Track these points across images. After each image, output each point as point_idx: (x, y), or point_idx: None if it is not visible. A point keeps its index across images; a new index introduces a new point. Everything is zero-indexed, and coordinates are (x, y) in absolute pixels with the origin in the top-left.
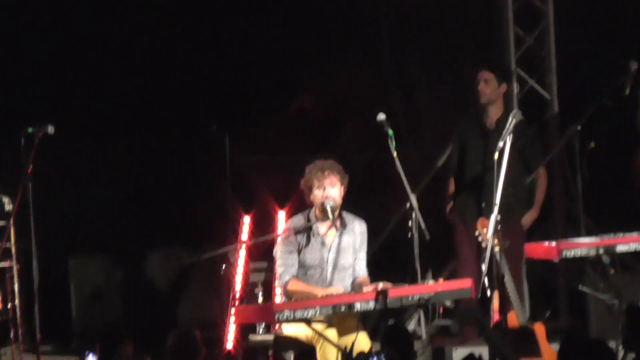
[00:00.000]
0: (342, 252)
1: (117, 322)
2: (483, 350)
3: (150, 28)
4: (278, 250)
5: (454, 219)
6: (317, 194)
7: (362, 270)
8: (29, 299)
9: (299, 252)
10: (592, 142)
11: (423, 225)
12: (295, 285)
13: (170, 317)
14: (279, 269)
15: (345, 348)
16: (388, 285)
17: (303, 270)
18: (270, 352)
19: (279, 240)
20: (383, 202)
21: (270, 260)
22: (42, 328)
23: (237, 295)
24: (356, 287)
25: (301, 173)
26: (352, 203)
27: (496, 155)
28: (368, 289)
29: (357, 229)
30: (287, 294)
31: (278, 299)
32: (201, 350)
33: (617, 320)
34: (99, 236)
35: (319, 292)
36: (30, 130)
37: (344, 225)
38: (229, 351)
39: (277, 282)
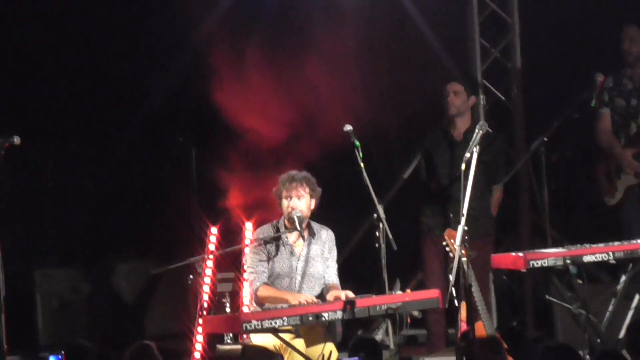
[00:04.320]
0: (311, 261)
1: (83, 333)
2: None
3: (118, 37)
4: (248, 259)
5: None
6: (284, 204)
7: (332, 277)
8: None
9: (269, 261)
10: (556, 155)
11: (390, 236)
12: (267, 291)
13: (137, 328)
14: (250, 276)
15: (321, 359)
16: (351, 294)
17: (272, 279)
18: None
19: (248, 249)
20: (350, 213)
21: (238, 270)
22: (9, 339)
23: (205, 306)
24: (326, 291)
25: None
26: (320, 214)
27: (463, 166)
28: (330, 297)
29: (325, 237)
30: (258, 301)
31: (245, 309)
32: None
33: (584, 330)
34: (65, 248)
35: (290, 297)
36: None
37: (312, 234)
38: None
39: (248, 289)
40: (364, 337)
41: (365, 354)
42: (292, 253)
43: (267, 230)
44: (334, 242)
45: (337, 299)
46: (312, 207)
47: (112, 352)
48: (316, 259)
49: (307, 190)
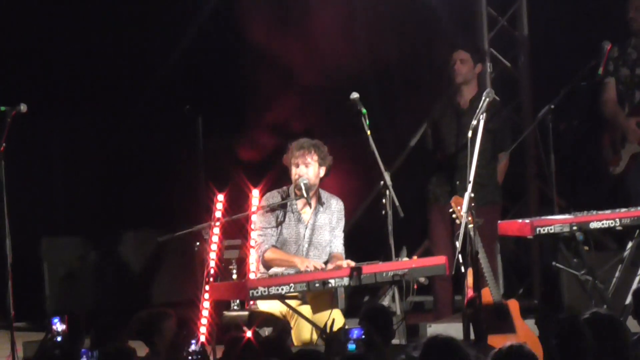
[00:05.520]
0: (319, 229)
1: (90, 301)
2: (457, 327)
3: (122, 7)
4: (258, 222)
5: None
6: (293, 171)
7: (337, 247)
8: (2, 278)
9: (277, 226)
10: (563, 123)
11: (397, 203)
12: (274, 254)
13: (144, 296)
14: (258, 239)
15: (325, 327)
16: (352, 264)
17: (279, 244)
18: (244, 329)
19: (258, 213)
20: (357, 181)
21: (245, 237)
22: (16, 307)
23: (211, 273)
24: (330, 261)
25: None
26: (327, 181)
27: (470, 134)
28: (330, 266)
29: (334, 207)
30: (266, 263)
31: (252, 275)
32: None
33: (591, 297)
34: (73, 216)
35: (298, 261)
36: (2, 109)
37: (321, 203)
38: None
39: (255, 254)
40: (375, 304)
41: (372, 322)
42: (299, 220)
43: (275, 196)
44: (342, 213)
45: (338, 267)
46: (321, 175)
47: (117, 320)
48: (324, 228)
49: (316, 158)
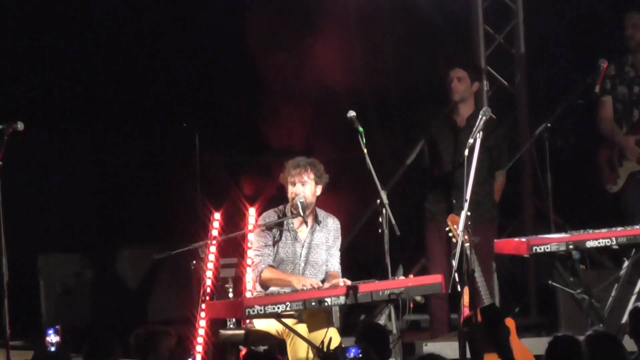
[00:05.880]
0: (315, 248)
1: (86, 319)
2: (453, 346)
3: (120, 23)
4: (254, 242)
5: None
6: (289, 190)
7: (334, 266)
8: None
9: (274, 245)
10: (559, 141)
11: (393, 221)
12: (271, 274)
13: (140, 313)
14: (255, 259)
15: (322, 345)
16: (348, 282)
17: (276, 264)
18: (240, 347)
19: (255, 232)
20: (354, 199)
21: (241, 256)
22: (12, 324)
23: (208, 291)
24: (327, 279)
25: (271, 171)
26: (323, 199)
27: (466, 152)
28: (328, 285)
29: (331, 226)
30: (262, 283)
31: (248, 294)
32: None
33: (587, 315)
34: (69, 233)
35: (294, 280)
36: None
37: (318, 222)
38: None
39: (252, 273)
40: (372, 323)
41: (369, 341)
42: (296, 239)
43: (271, 215)
44: (339, 232)
45: (334, 286)
46: (318, 193)
47: (110, 336)
48: (320, 247)
49: (312, 176)
